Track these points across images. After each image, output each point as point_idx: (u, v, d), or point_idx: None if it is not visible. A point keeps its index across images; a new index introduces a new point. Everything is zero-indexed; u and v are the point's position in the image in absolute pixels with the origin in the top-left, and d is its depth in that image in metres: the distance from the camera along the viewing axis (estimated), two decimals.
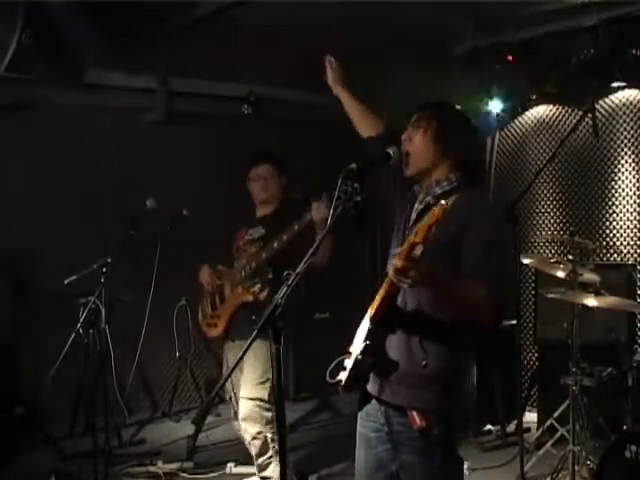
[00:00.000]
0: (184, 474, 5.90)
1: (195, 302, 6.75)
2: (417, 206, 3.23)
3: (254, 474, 5.51)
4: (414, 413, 3.01)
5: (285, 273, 3.04)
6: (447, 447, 3.11)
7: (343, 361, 3.22)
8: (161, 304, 6.64)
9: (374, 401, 3.22)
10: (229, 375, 3.17)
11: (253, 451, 5.24)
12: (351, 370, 3.15)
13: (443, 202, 2.67)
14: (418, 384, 3.04)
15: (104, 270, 5.21)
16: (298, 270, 2.94)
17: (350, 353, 3.19)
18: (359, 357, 3.11)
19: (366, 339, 3.09)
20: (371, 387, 3.19)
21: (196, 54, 6.70)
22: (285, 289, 2.85)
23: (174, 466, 5.98)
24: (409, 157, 3.25)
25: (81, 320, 5.43)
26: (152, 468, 5.94)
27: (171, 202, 5.91)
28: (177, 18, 6.35)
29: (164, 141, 7.37)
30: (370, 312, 3.10)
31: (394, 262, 2.69)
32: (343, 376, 3.18)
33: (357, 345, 3.16)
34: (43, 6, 5.35)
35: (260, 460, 5.23)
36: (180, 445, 6.56)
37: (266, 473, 5.22)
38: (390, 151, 3.23)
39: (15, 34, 5.27)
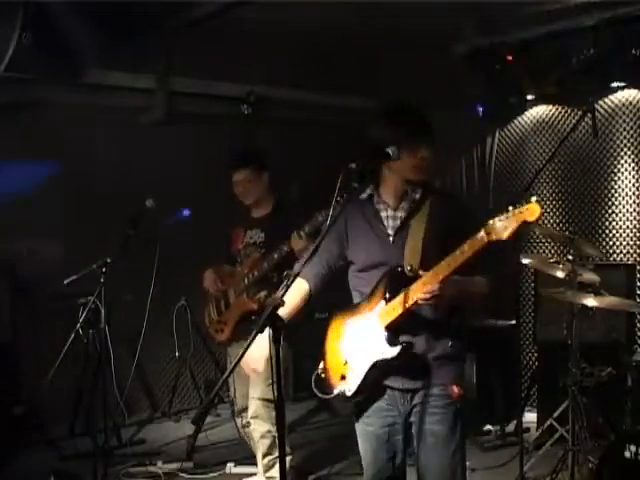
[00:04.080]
0: (184, 474, 5.90)
1: (195, 302, 6.78)
2: (390, 214, 3.45)
3: (254, 474, 5.52)
4: (454, 387, 3.39)
5: (285, 273, 3.05)
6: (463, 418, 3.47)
7: (320, 374, 3.49)
8: (161, 304, 6.65)
9: (389, 395, 3.44)
10: (227, 375, 3.17)
11: (260, 450, 5.26)
12: (367, 376, 3.33)
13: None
14: (449, 362, 3.43)
15: (104, 270, 5.21)
16: (296, 271, 2.95)
17: (346, 363, 3.41)
18: (391, 358, 3.27)
19: (397, 343, 3.29)
20: (397, 381, 3.40)
21: (196, 54, 6.70)
22: (284, 289, 2.86)
23: (174, 466, 5.98)
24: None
25: (81, 320, 5.44)
26: (152, 468, 5.95)
27: (171, 202, 5.91)
28: (177, 18, 6.35)
29: (164, 141, 7.36)
30: (382, 321, 3.31)
31: (421, 296, 3.13)
32: (353, 385, 3.36)
33: (361, 353, 3.35)
34: (43, 6, 5.35)
35: (266, 460, 5.25)
36: (180, 445, 6.57)
37: (271, 473, 5.23)
38: (389, 150, 3.24)
39: (15, 34, 5.27)
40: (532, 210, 2.89)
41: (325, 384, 3.46)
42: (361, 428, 3.56)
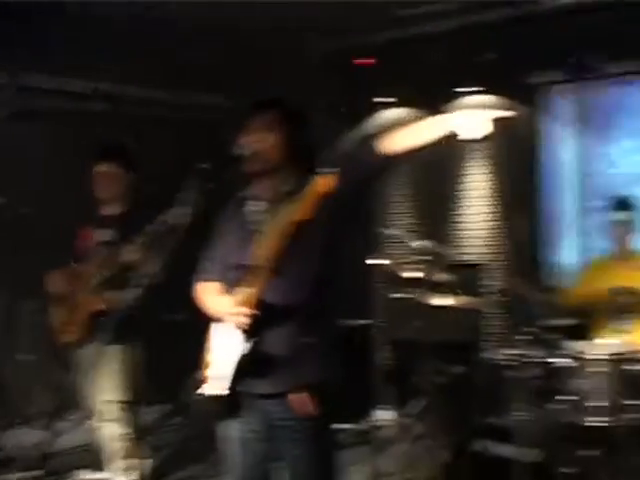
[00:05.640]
0: None
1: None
2: (255, 208, 3.29)
3: None
4: (294, 397, 3.08)
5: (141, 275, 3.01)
6: (328, 429, 3.23)
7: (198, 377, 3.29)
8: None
9: (249, 400, 3.22)
10: (79, 379, 3.13)
11: (111, 453, 5.12)
12: (235, 375, 3.15)
13: None
14: (298, 363, 3.10)
15: None
16: (149, 272, 2.92)
17: (208, 363, 3.25)
18: (243, 357, 3.10)
19: (247, 340, 3.09)
20: (253, 385, 3.19)
21: (45, 49, 6.56)
22: (134, 293, 2.83)
23: (25, 474, 5.83)
24: (257, 157, 3.23)
25: None
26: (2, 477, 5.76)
27: (18, 200, 5.76)
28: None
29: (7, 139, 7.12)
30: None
31: None
32: (224, 385, 3.18)
33: (223, 351, 3.19)
34: None
35: (117, 464, 5.12)
36: (31, 453, 6.36)
37: (124, 477, 5.12)
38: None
39: None
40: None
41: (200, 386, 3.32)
42: (226, 431, 3.37)
